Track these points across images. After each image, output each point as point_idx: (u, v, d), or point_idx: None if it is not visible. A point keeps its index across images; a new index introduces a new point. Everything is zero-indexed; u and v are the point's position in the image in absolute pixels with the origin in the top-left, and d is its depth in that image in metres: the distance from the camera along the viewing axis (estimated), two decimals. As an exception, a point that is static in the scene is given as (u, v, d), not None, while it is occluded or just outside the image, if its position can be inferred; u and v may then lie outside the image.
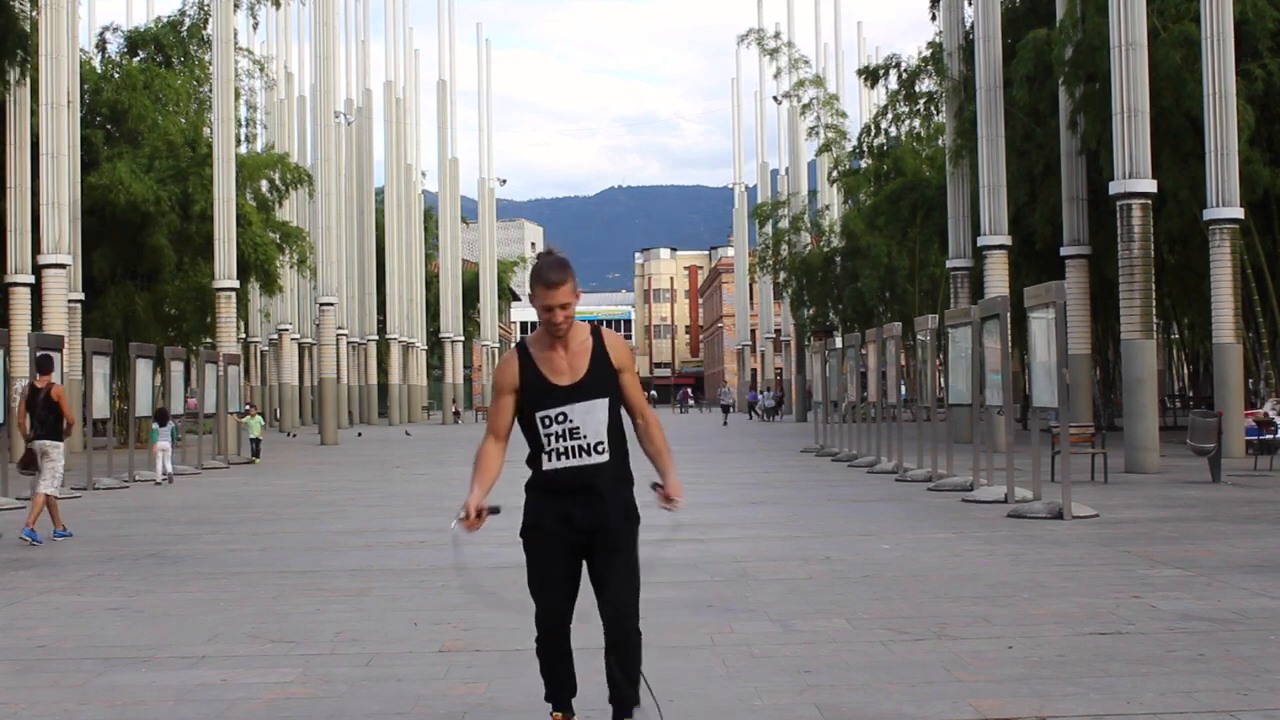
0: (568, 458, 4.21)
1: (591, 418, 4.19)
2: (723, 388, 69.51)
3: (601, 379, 4.24)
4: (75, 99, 27.00)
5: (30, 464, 11.52)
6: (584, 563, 4.32)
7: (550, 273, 4.16)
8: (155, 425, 19.52)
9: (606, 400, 4.23)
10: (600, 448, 4.21)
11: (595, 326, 4.35)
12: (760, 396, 60.14)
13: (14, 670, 5.90)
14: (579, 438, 4.20)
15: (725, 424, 46.52)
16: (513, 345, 4.48)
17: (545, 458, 4.24)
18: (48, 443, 11.45)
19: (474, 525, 4.26)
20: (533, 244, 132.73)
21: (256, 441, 24.81)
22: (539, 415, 4.20)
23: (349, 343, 53.26)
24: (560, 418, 4.19)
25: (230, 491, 17.21)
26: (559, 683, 4.41)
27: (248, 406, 27.21)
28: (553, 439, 4.21)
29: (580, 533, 4.24)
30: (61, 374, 17.79)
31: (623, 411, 4.34)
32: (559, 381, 4.20)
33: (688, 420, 56.88)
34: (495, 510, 4.31)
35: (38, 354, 13.30)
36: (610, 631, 4.25)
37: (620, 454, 4.27)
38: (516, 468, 4.36)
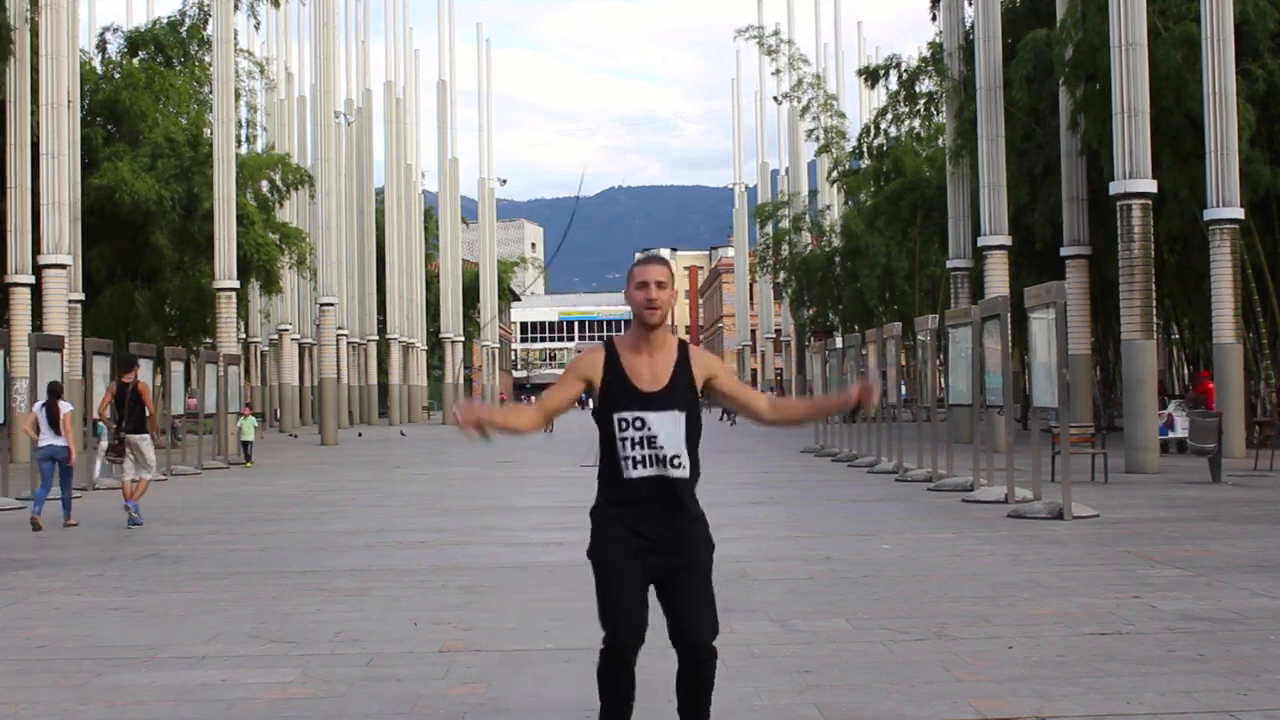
0: (647, 466, 4.02)
1: (670, 429, 4.03)
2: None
3: (682, 391, 4.08)
4: (75, 99, 27.01)
5: (120, 452, 12.71)
6: (654, 587, 4.09)
7: (650, 255, 4.15)
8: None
9: (684, 415, 4.07)
10: (678, 462, 4.04)
11: (684, 341, 4.22)
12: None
13: (14, 670, 5.90)
14: (657, 447, 4.03)
15: (732, 424, 46.24)
16: (599, 342, 4.30)
17: (625, 465, 4.03)
18: (135, 436, 12.66)
19: (468, 417, 3.96)
20: (533, 244, 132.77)
21: (248, 444, 23.78)
22: (616, 417, 4.03)
23: (349, 343, 53.24)
24: (638, 423, 4.02)
25: (230, 491, 17.21)
26: (619, 713, 4.19)
27: (245, 407, 26.75)
28: (629, 445, 4.03)
29: (659, 554, 4.02)
30: (61, 373, 17.85)
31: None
32: (640, 386, 4.06)
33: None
34: (486, 436, 4.06)
35: (123, 353, 15.16)
36: (689, 652, 4.05)
37: (695, 476, 4.11)
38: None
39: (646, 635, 4.03)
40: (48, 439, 12.74)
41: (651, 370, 4.10)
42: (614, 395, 4.08)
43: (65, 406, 12.95)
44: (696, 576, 4.07)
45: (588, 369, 4.14)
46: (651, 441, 4.04)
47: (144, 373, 18.76)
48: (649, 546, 4.03)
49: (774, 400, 4.29)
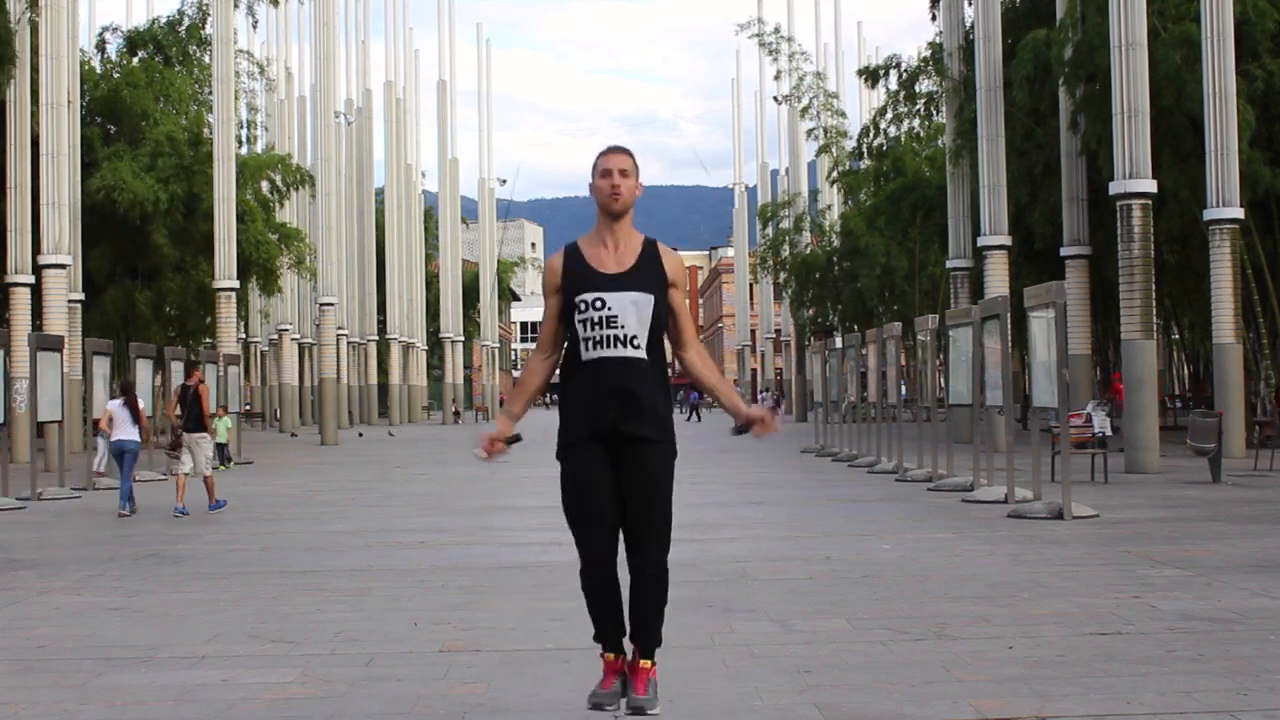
0: (604, 347, 3.94)
1: (632, 309, 3.96)
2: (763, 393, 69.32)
3: (647, 276, 4.02)
4: (75, 99, 27.02)
5: (177, 448, 13.65)
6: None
7: (613, 145, 4.13)
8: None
9: (651, 298, 3.99)
10: (636, 342, 3.96)
11: (652, 238, 4.18)
12: (761, 396, 60.14)
13: (14, 670, 5.90)
14: (615, 327, 3.95)
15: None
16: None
17: (583, 346, 3.97)
18: (194, 435, 13.61)
19: (490, 455, 4.04)
20: (533, 244, 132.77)
21: (224, 446, 22.21)
22: (577, 300, 3.98)
23: (349, 343, 53.23)
24: (598, 303, 3.96)
25: (230, 491, 17.18)
26: (607, 619, 4.17)
27: (220, 407, 25.23)
28: (588, 326, 3.96)
29: (618, 443, 3.96)
30: (61, 373, 17.86)
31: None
32: (601, 269, 4.01)
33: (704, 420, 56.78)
34: (516, 439, 4.07)
35: (187, 358, 16.37)
36: (634, 573, 4.05)
37: (659, 363, 4.02)
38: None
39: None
40: (120, 434, 13.86)
41: (616, 257, 4.06)
42: (576, 282, 4.03)
43: (140, 402, 14.30)
44: (652, 484, 4.02)
45: (552, 277, 4.11)
46: (611, 321, 3.97)
47: (105, 373, 19.10)
48: (612, 438, 3.97)
49: (701, 353, 4.20)
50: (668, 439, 4.09)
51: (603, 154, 4.11)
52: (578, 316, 3.99)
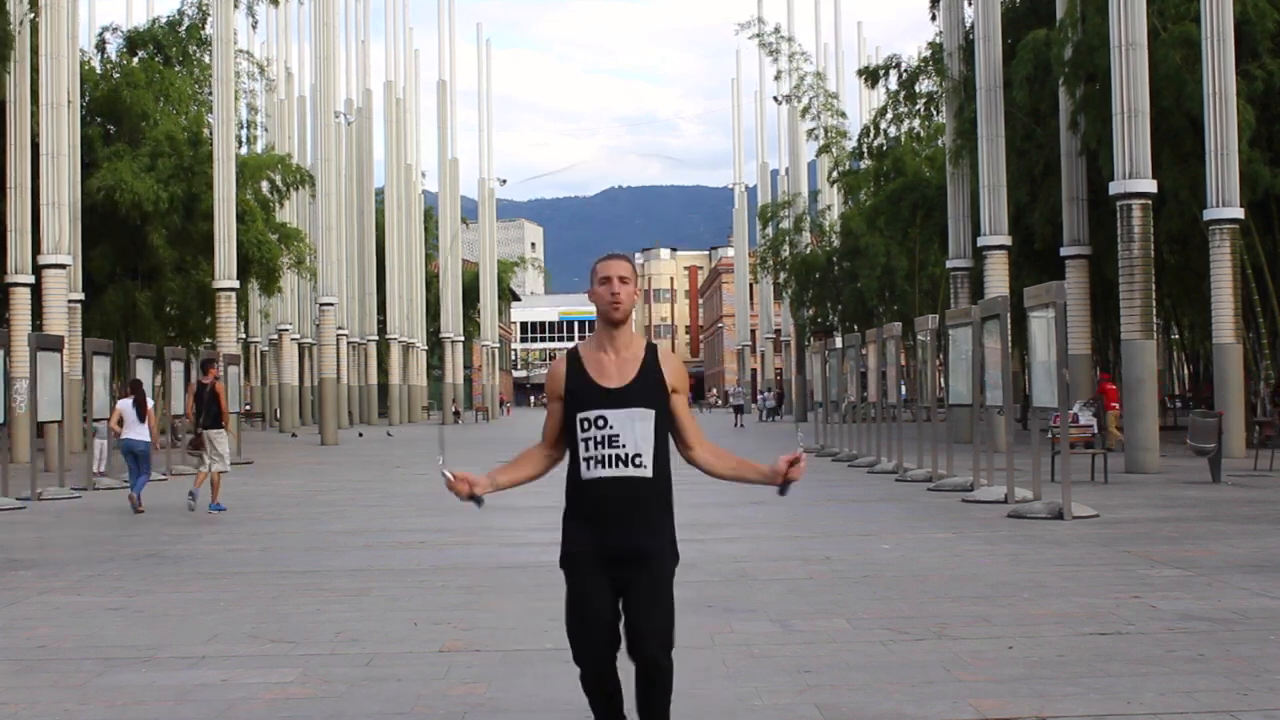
0: (605, 466, 3.94)
1: (632, 427, 3.95)
2: (734, 387, 69.29)
3: (648, 389, 4.01)
4: (75, 99, 27.02)
5: (199, 446, 13.90)
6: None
7: (611, 253, 4.11)
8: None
9: (652, 413, 3.97)
10: (639, 460, 3.94)
11: (651, 342, 4.16)
12: (761, 396, 60.13)
13: (14, 670, 5.90)
14: (617, 446, 3.94)
15: (740, 425, 45.93)
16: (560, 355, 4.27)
17: (583, 466, 3.98)
18: (212, 431, 13.80)
19: (453, 485, 4.01)
20: (532, 244, 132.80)
21: None
22: (578, 418, 3.98)
23: (349, 343, 53.24)
24: (600, 421, 3.95)
25: (230, 491, 17.16)
26: (608, 715, 4.18)
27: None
28: (590, 445, 3.96)
29: (618, 560, 3.97)
30: (61, 373, 17.86)
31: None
32: (603, 384, 4.00)
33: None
34: (478, 500, 4.07)
35: (203, 356, 16.62)
36: (641, 666, 4.03)
37: (663, 477, 4.01)
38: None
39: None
40: (130, 433, 14.12)
41: (617, 369, 4.04)
42: (577, 397, 4.02)
43: (149, 402, 14.43)
44: (655, 590, 4.01)
45: (554, 385, 4.11)
46: (612, 440, 3.96)
47: (105, 373, 19.17)
48: (611, 555, 3.97)
49: (710, 449, 4.17)
50: (670, 549, 4.10)
51: (601, 261, 4.11)
52: (580, 435, 4.00)
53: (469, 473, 4.08)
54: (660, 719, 4.13)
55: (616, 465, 3.96)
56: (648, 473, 3.98)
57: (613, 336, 4.07)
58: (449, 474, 4.02)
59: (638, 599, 4.01)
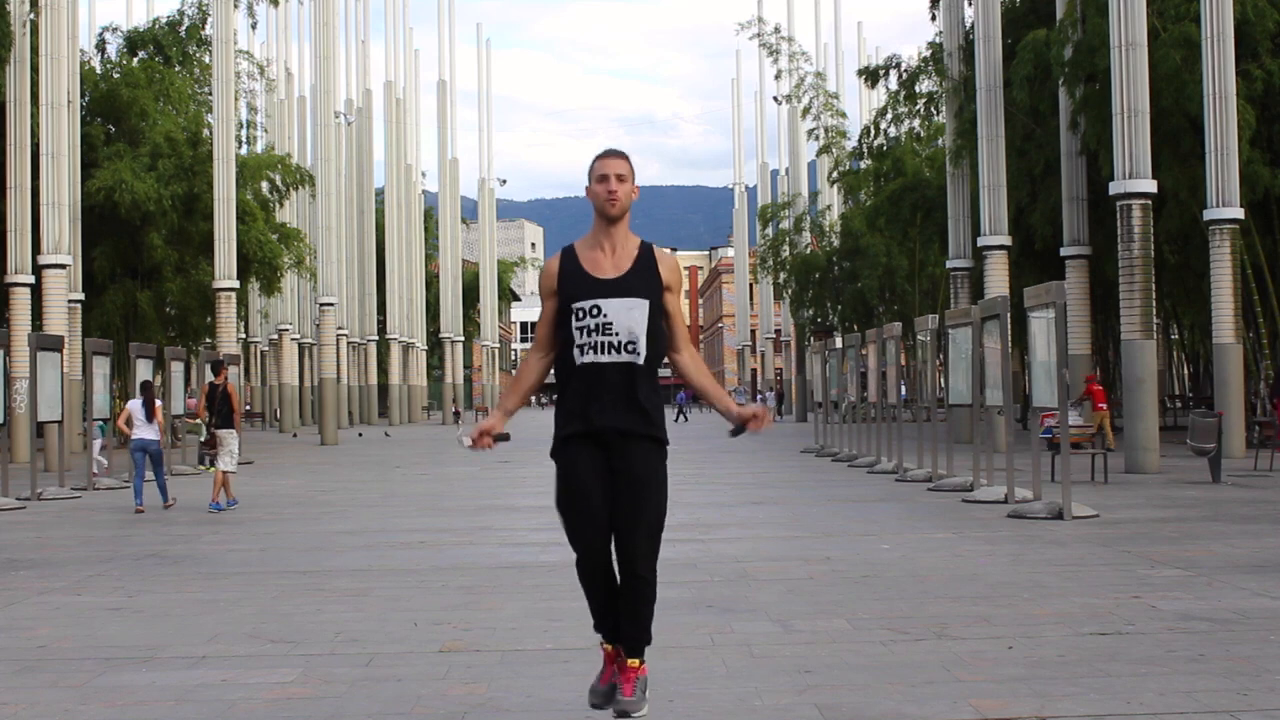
0: (596, 352, 3.98)
1: (626, 315, 3.99)
2: (735, 386, 69.26)
3: (643, 281, 4.04)
4: (75, 99, 27.02)
5: (212, 445, 14.20)
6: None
7: (609, 149, 4.12)
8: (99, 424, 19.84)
9: (646, 302, 4.01)
10: (632, 347, 3.98)
11: (648, 241, 4.20)
12: (761, 396, 60.14)
13: (14, 670, 5.90)
14: (610, 333, 3.98)
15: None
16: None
17: (576, 352, 4.02)
18: (223, 431, 14.10)
19: (478, 445, 4.09)
20: (532, 244, 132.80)
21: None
22: (573, 307, 4.02)
23: (349, 343, 53.24)
24: (594, 310, 3.99)
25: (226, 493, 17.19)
26: (605, 611, 4.21)
27: (193, 404, 23.86)
28: (584, 333, 4.00)
29: (609, 443, 4.00)
30: (61, 373, 17.85)
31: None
32: (598, 275, 4.04)
33: (691, 419, 56.79)
34: (505, 437, 4.12)
35: (213, 357, 17.15)
36: (622, 574, 4.08)
37: (653, 366, 4.05)
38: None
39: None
40: (140, 432, 14.18)
41: (613, 262, 4.07)
42: (572, 289, 4.06)
43: (158, 402, 14.63)
44: (642, 491, 4.04)
45: (548, 281, 4.14)
46: (606, 328, 4.00)
47: (105, 373, 19.31)
48: (603, 438, 4.00)
49: (690, 361, 4.22)
50: (659, 438, 4.12)
51: (598, 158, 4.13)
52: (574, 323, 4.03)
53: (480, 424, 4.11)
54: (642, 627, 4.17)
55: (609, 351, 4.00)
56: (639, 359, 4.01)
57: (609, 233, 4.09)
58: (467, 440, 4.05)
59: (625, 503, 4.04)
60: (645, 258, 4.10)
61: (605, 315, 4.01)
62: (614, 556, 4.17)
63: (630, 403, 4.02)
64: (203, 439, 14.95)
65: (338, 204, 42.80)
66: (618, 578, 4.13)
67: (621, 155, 4.13)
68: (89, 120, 31.31)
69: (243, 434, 17.05)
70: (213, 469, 22.87)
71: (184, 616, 7.29)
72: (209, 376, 15.31)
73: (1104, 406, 21.63)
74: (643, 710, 4.31)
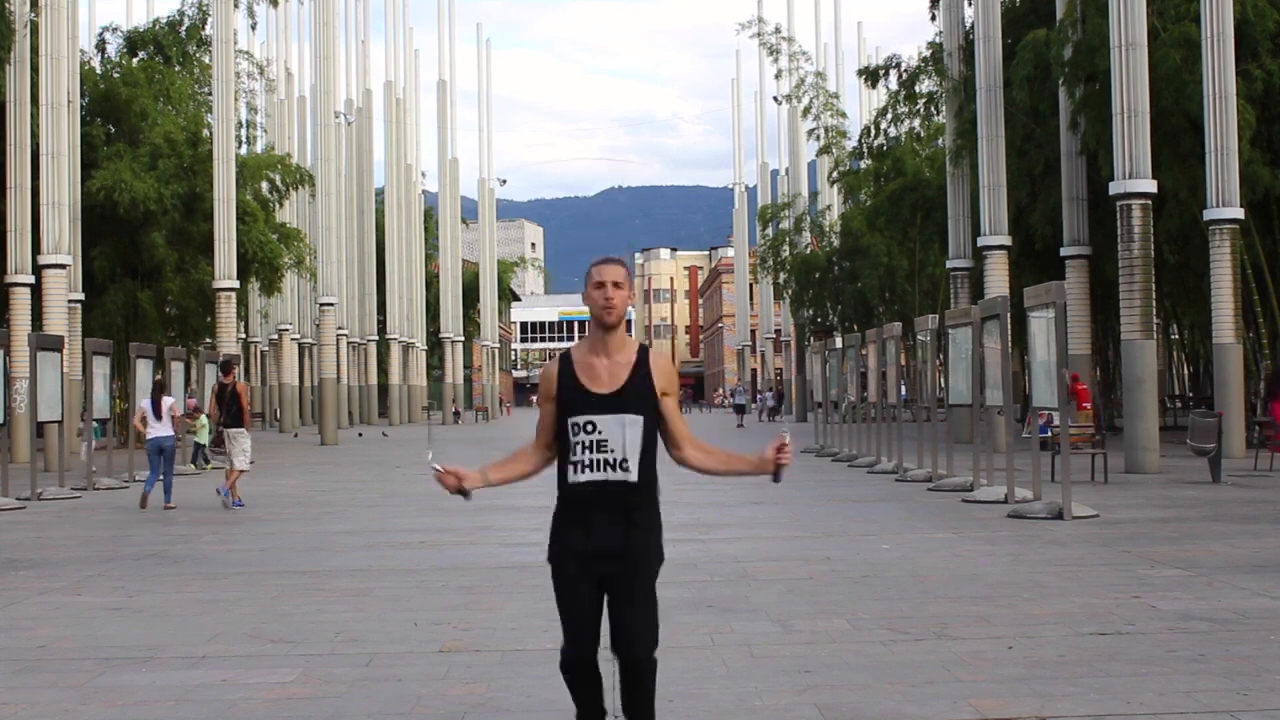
0: (592, 470, 4.01)
1: (621, 433, 4.00)
2: (736, 386, 69.10)
3: (639, 395, 4.05)
4: (75, 99, 27.02)
5: (221, 443, 14.38)
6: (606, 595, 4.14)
7: (606, 257, 4.13)
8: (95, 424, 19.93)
9: (641, 419, 4.02)
10: (626, 465, 4.00)
11: (644, 344, 4.21)
12: (761, 396, 60.14)
13: (14, 670, 5.90)
14: (605, 451, 4.00)
15: (741, 425, 45.27)
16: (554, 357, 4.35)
17: (571, 469, 4.05)
18: (233, 430, 14.28)
19: (444, 480, 4.10)
20: (533, 244, 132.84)
21: (202, 447, 21.61)
22: (569, 422, 4.04)
23: (349, 343, 53.23)
24: (589, 427, 4.01)
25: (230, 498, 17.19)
26: (589, 707, 4.24)
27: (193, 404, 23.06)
28: (579, 449, 4.03)
29: (602, 558, 4.03)
30: (61, 373, 17.85)
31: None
32: (594, 389, 4.05)
33: (690, 419, 56.65)
34: (466, 494, 4.15)
35: (221, 358, 17.28)
36: (623, 660, 4.09)
37: (649, 482, 4.07)
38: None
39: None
40: (154, 431, 14.50)
41: (609, 373, 4.07)
42: (568, 401, 4.07)
43: (167, 400, 14.80)
44: (638, 588, 4.07)
45: (546, 387, 4.17)
46: (601, 445, 4.01)
47: (105, 373, 19.39)
48: (597, 555, 4.03)
49: (699, 447, 4.21)
50: (655, 551, 4.16)
51: (596, 265, 4.13)
52: (570, 439, 4.06)
53: (459, 467, 4.11)
54: (646, 706, 4.17)
55: (604, 470, 4.02)
56: (633, 478, 4.03)
57: (605, 341, 4.10)
58: (438, 466, 4.07)
59: (623, 599, 4.08)
60: (641, 367, 4.11)
61: (600, 432, 4.03)
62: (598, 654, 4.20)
63: (623, 523, 4.06)
64: (211, 437, 15.05)
65: (338, 204, 42.80)
66: (618, 670, 4.15)
67: (619, 262, 4.15)
68: (89, 120, 31.30)
69: (251, 433, 17.12)
70: (206, 467, 23.04)
71: (184, 616, 7.29)
72: (218, 376, 15.53)
73: (1088, 406, 21.63)
74: None
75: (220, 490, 14.23)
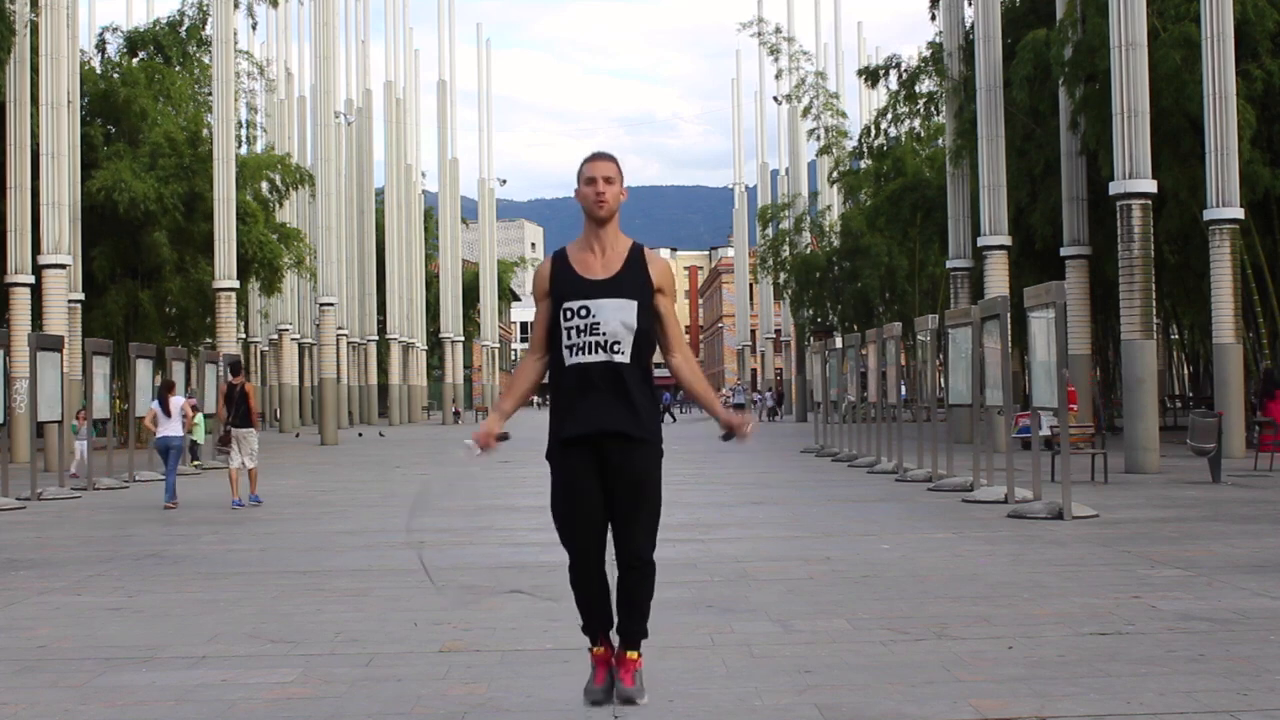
0: (585, 353, 4.00)
1: (614, 316, 4.00)
2: (735, 385, 69.05)
3: (632, 282, 4.05)
4: (75, 99, 27.02)
5: (227, 443, 14.43)
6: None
7: (597, 152, 4.15)
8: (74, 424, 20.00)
9: (635, 304, 4.02)
10: (618, 348, 4.00)
11: (639, 243, 4.22)
12: (760, 396, 60.12)
13: (14, 670, 5.90)
14: (598, 334, 4.00)
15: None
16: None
17: (565, 353, 4.04)
18: (242, 430, 14.38)
19: (485, 448, 4.14)
20: (532, 244, 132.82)
21: (196, 445, 21.71)
22: (563, 307, 4.04)
23: (349, 343, 53.23)
24: (583, 311, 4.01)
25: (228, 491, 17.19)
26: (594, 614, 4.25)
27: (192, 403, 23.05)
28: (572, 333, 4.03)
29: (602, 445, 4.01)
30: (61, 373, 17.85)
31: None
32: (588, 275, 4.06)
33: (690, 420, 56.74)
34: (505, 436, 4.17)
35: (230, 359, 17.42)
36: (621, 564, 4.11)
37: (643, 365, 4.06)
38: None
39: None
40: (164, 430, 14.78)
41: (603, 264, 4.10)
42: (562, 290, 4.09)
43: (177, 399, 15.11)
44: (639, 490, 4.08)
45: (540, 284, 4.18)
46: (594, 328, 4.03)
47: (105, 373, 19.51)
48: (596, 440, 4.02)
49: (684, 363, 4.22)
50: (653, 439, 4.14)
51: (587, 161, 4.15)
52: (563, 323, 4.06)
53: (480, 428, 4.13)
54: (642, 614, 4.20)
55: (596, 351, 4.03)
56: (625, 359, 4.02)
57: (599, 235, 4.12)
58: (473, 446, 4.10)
59: (623, 499, 4.08)
60: (635, 259, 4.12)
61: (593, 315, 4.03)
62: (605, 557, 4.19)
63: (621, 403, 4.04)
64: (219, 437, 15.19)
65: (338, 204, 42.79)
66: (616, 571, 4.16)
67: (609, 157, 4.15)
68: (89, 120, 31.30)
69: (259, 432, 17.23)
70: (193, 464, 22.95)
71: (184, 616, 7.29)
72: (226, 377, 15.74)
73: (1075, 408, 21.60)
74: (644, 699, 4.33)
75: (245, 497, 14.39)
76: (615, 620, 4.33)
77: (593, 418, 4.03)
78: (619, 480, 4.06)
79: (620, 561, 4.12)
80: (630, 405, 4.05)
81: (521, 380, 4.25)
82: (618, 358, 4.02)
